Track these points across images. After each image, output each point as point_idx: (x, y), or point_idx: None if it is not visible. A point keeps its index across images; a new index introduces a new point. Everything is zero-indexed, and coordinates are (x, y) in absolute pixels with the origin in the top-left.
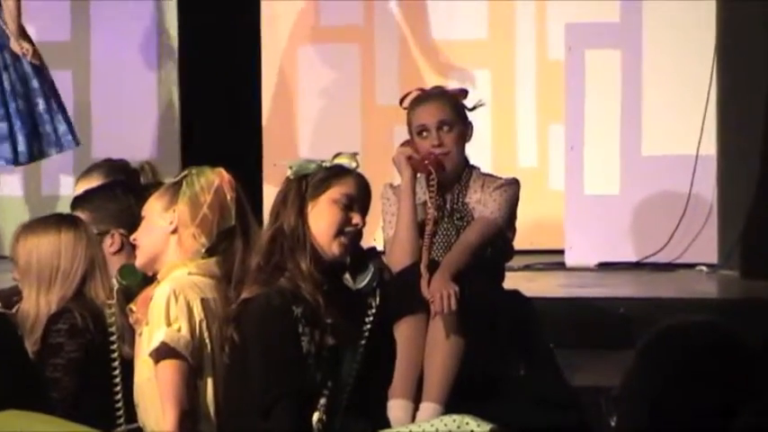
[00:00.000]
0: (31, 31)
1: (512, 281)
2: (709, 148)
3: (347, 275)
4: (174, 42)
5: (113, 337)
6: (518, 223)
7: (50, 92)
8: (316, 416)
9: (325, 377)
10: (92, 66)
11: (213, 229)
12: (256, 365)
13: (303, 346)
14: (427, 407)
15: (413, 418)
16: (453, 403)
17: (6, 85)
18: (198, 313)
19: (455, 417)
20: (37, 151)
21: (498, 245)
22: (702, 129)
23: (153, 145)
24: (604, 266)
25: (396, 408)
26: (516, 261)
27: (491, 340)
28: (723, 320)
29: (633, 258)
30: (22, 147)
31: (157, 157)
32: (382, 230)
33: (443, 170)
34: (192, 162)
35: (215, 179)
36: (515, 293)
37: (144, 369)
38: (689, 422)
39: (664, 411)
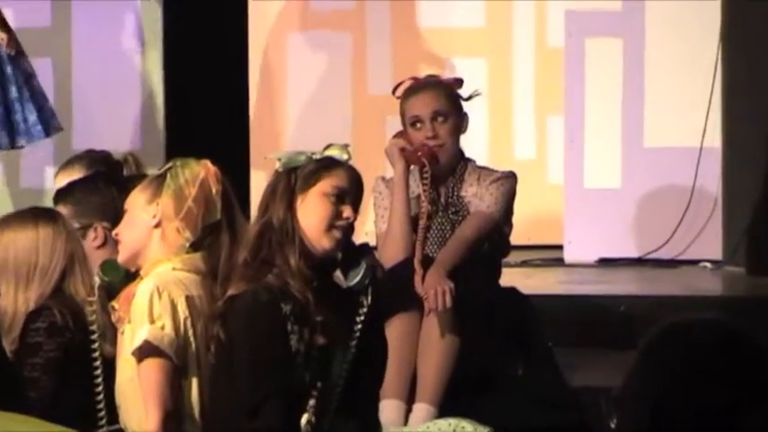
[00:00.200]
0: (9, 16)
1: (509, 277)
2: (714, 139)
3: (338, 272)
4: (159, 29)
5: (94, 336)
6: (515, 218)
7: (23, 80)
8: (305, 417)
9: (314, 377)
10: (73, 53)
11: (198, 224)
12: (243, 364)
13: (292, 345)
14: (420, 408)
15: (405, 420)
16: (448, 404)
17: None
18: (182, 310)
19: (450, 420)
20: (8, 140)
21: (495, 240)
22: (707, 119)
23: (136, 136)
24: (605, 262)
25: (388, 409)
26: (513, 257)
27: (487, 339)
28: (728, 318)
29: (635, 254)
30: None
31: (141, 148)
32: (374, 225)
33: (437, 162)
34: (177, 153)
35: (200, 171)
36: (512, 290)
37: (126, 368)
38: (693, 422)
39: (667, 411)
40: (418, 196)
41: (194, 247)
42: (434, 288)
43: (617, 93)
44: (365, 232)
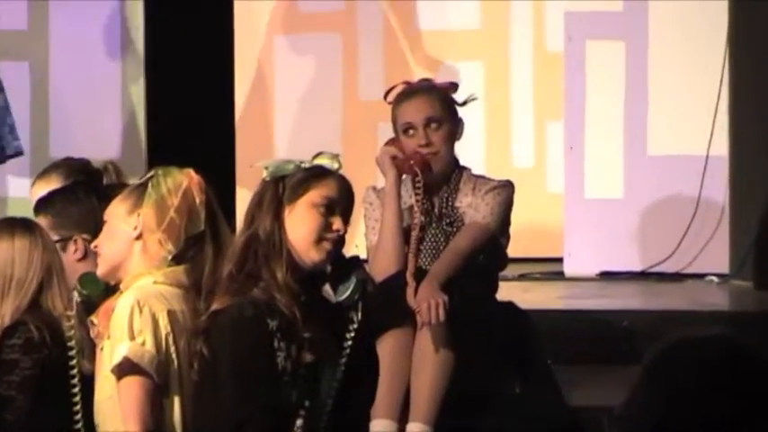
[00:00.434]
0: None
1: (506, 291)
2: (721, 147)
3: (327, 287)
4: (140, 31)
5: (72, 352)
6: (513, 229)
7: None
8: None
9: (302, 396)
10: (50, 57)
11: (181, 235)
12: (228, 381)
13: (278, 362)
14: (414, 427)
15: None
16: (442, 423)
17: None
18: (164, 326)
19: None
20: None
21: (491, 252)
22: (713, 126)
23: (116, 143)
24: (607, 276)
25: (379, 428)
26: (511, 270)
27: (484, 355)
28: (736, 334)
29: (638, 267)
30: None
31: (121, 156)
32: (365, 237)
33: (430, 171)
34: (159, 162)
35: (183, 180)
36: (510, 305)
37: (105, 386)
38: None
39: (671, 427)
40: (411, 207)
41: (177, 259)
42: (427, 301)
43: (619, 97)
44: (355, 245)
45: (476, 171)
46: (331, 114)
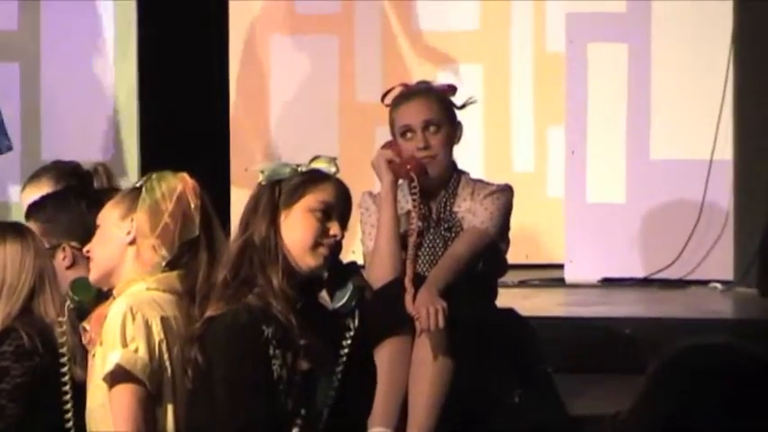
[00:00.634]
0: None
1: (506, 298)
2: (726, 151)
3: (324, 293)
4: (133, 31)
5: (64, 359)
6: (512, 234)
7: None
8: None
9: (297, 405)
10: (41, 58)
11: (175, 241)
12: (222, 389)
13: (274, 370)
14: None
15: None
16: None
17: None
18: (157, 333)
19: None
20: None
21: (490, 258)
22: (717, 130)
23: (108, 145)
24: (608, 283)
25: None
26: (511, 276)
27: (483, 363)
28: (740, 342)
29: (640, 274)
30: None
31: (113, 159)
32: (361, 243)
33: (427, 176)
34: (152, 165)
35: (178, 185)
36: (510, 312)
37: (97, 394)
38: None
39: None
40: (408, 212)
41: (171, 265)
42: (426, 307)
43: (621, 101)
44: (352, 251)
45: (475, 175)
46: (328, 117)
